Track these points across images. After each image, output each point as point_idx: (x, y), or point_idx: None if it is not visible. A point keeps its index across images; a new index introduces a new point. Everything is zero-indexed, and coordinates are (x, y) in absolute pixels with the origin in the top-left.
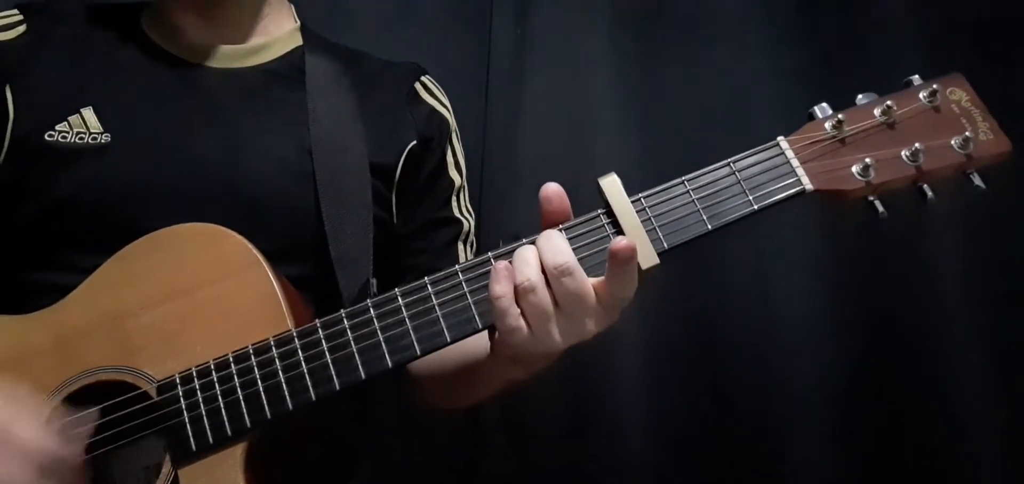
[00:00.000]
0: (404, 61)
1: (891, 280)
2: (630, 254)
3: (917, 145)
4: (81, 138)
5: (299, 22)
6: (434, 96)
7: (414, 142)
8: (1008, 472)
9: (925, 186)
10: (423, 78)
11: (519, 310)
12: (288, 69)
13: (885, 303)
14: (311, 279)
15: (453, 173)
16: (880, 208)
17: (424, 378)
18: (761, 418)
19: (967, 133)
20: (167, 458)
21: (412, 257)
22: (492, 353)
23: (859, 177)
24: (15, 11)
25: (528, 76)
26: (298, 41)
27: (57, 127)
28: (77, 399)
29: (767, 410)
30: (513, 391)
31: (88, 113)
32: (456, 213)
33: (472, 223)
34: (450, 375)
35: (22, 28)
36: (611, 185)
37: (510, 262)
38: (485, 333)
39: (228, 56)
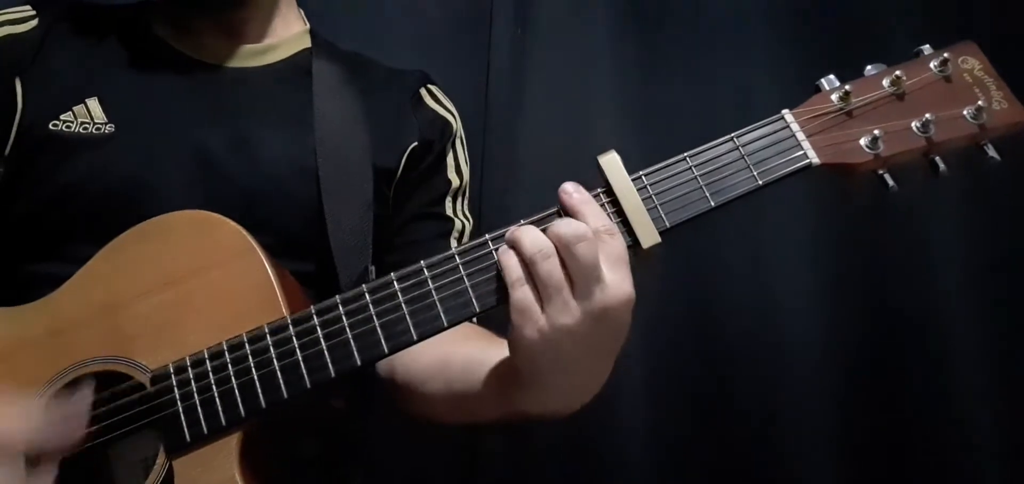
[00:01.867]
0: (411, 69)
1: (892, 278)
2: (575, 195)
3: (928, 116)
4: (85, 128)
5: (308, 25)
6: (439, 102)
7: (415, 143)
8: (1008, 471)
9: (937, 158)
10: (429, 85)
11: (532, 284)
12: (295, 70)
13: (886, 301)
14: (313, 275)
15: (451, 174)
16: (890, 182)
17: (424, 394)
18: (761, 418)
19: (980, 102)
20: (161, 448)
21: (400, 251)
22: (500, 378)
23: (868, 150)
24: (28, 6)
25: (528, 76)
26: (306, 43)
27: (62, 117)
28: (71, 391)
29: (767, 410)
30: (518, 421)
31: (93, 103)
32: (448, 212)
33: (469, 226)
34: (453, 394)
35: (34, 22)
36: (611, 163)
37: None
38: (505, 352)
39: (236, 55)
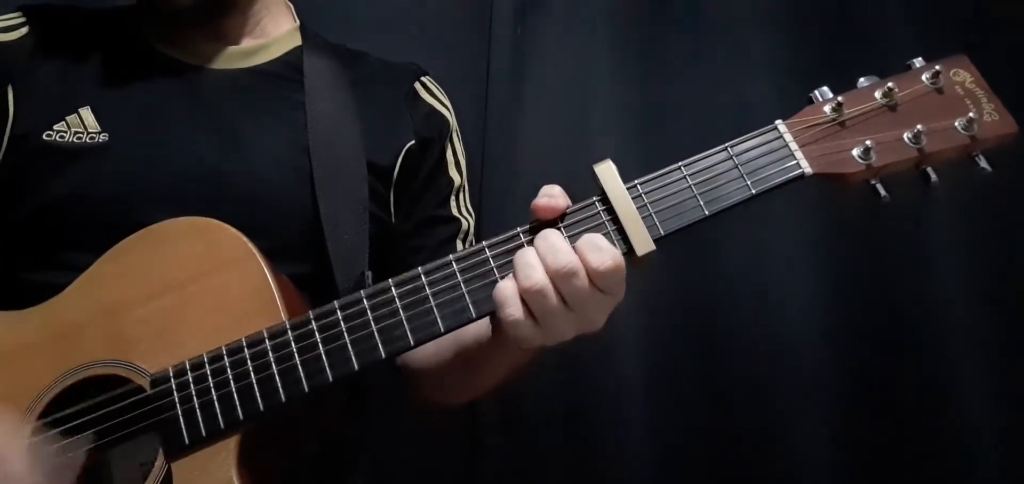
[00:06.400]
0: (404, 62)
1: (892, 279)
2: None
3: (919, 127)
4: (79, 138)
5: (299, 22)
6: (434, 96)
7: (412, 142)
8: (1008, 471)
9: (928, 169)
10: (423, 78)
11: (528, 315)
12: (286, 69)
13: (886, 302)
14: (310, 278)
15: (453, 172)
16: (882, 192)
17: (423, 370)
18: (761, 417)
19: (971, 114)
20: (160, 451)
21: (410, 255)
22: (494, 339)
23: (860, 160)
24: (18, 13)
25: (528, 76)
26: (297, 41)
27: (55, 127)
28: (71, 394)
29: (767, 409)
30: (516, 375)
31: (86, 113)
32: (454, 212)
33: (472, 223)
34: (450, 364)
35: (25, 30)
36: (606, 171)
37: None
38: (486, 322)
39: (226, 57)
